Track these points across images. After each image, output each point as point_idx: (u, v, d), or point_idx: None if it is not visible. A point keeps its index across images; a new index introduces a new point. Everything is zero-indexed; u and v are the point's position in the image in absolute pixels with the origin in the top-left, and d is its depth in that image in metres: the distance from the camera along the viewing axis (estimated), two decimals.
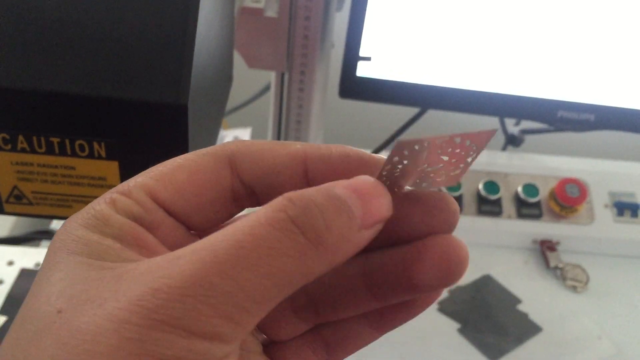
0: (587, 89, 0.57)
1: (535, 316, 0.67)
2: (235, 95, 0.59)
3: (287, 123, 0.64)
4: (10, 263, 0.57)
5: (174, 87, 0.28)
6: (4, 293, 0.55)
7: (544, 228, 0.74)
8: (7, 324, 0.52)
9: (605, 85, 0.57)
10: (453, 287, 0.70)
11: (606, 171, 0.78)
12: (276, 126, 0.65)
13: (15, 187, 0.31)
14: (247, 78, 0.66)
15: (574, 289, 0.70)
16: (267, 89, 0.77)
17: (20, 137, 0.29)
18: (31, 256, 0.58)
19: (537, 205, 0.75)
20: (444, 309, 0.67)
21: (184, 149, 0.29)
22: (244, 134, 0.86)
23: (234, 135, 0.85)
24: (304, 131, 0.64)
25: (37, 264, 0.57)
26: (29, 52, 0.28)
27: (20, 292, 0.55)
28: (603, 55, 0.56)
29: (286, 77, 0.61)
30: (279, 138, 0.66)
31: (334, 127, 0.83)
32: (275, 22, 0.55)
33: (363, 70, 0.56)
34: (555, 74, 0.57)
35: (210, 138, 0.36)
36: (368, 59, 0.56)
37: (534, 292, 0.70)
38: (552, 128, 0.76)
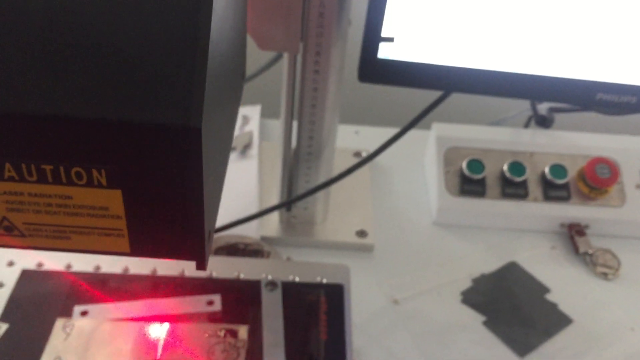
0: (628, 69, 0.53)
1: (564, 307, 0.64)
2: None
3: (301, 107, 0.59)
4: (11, 264, 0.54)
5: (184, 106, 0.24)
6: (5, 297, 0.51)
7: (572, 211, 0.70)
8: (9, 332, 0.49)
9: None
10: (477, 275, 0.66)
11: (638, 149, 0.73)
12: (289, 111, 0.60)
13: (4, 219, 0.27)
14: (256, 47, 0.60)
15: (604, 276, 0.67)
16: (276, 59, 0.72)
17: (7, 165, 0.25)
18: (33, 256, 0.54)
19: (565, 186, 0.71)
20: (467, 300, 0.64)
21: (197, 175, 0.25)
22: (254, 112, 0.82)
23: (242, 114, 0.81)
24: (319, 115, 0.60)
25: (39, 264, 0.54)
26: (14, 69, 0.24)
27: (23, 295, 0.52)
28: None
29: (299, 58, 0.56)
30: (292, 123, 0.61)
31: (350, 108, 0.78)
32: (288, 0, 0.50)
33: (385, 51, 0.52)
34: (594, 53, 0.52)
35: (224, 153, 0.32)
36: (391, 39, 0.51)
37: (562, 280, 0.66)
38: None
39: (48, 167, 0.25)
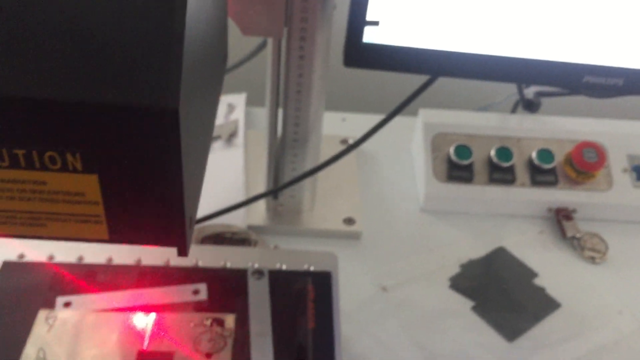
0: (616, 52, 0.52)
1: (552, 291, 0.64)
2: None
3: (286, 93, 0.58)
4: None
5: (161, 87, 0.23)
6: None
7: (560, 195, 0.70)
8: None
9: (635, 47, 0.52)
10: (465, 261, 0.66)
11: (624, 133, 0.73)
12: (275, 98, 0.59)
13: None
14: (240, 34, 0.59)
15: (592, 260, 0.67)
16: (261, 47, 0.71)
17: None
18: (14, 246, 0.53)
19: (552, 171, 0.70)
20: (456, 286, 0.64)
21: (176, 157, 0.25)
22: (239, 100, 0.81)
23: (227, 102, 0.80)
24: (304, 102, 0.59)
25: (21, 255, 0.53)
26: None
27: (4, 287, 0.51)
28: (633, 14, 0.51)
29: (284, 43, 0.55)
30: (277, 110, 0.61)
31: (337, 95, 0.77)
32: None
33: (370, 36, 0.51)
34: (581, 36, 0.52)
35: (206, 136, 0.31)
36: (376, 23, 0.50)
37: (550, 265, 0.66)
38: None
39: (20, 152, 0.24)
